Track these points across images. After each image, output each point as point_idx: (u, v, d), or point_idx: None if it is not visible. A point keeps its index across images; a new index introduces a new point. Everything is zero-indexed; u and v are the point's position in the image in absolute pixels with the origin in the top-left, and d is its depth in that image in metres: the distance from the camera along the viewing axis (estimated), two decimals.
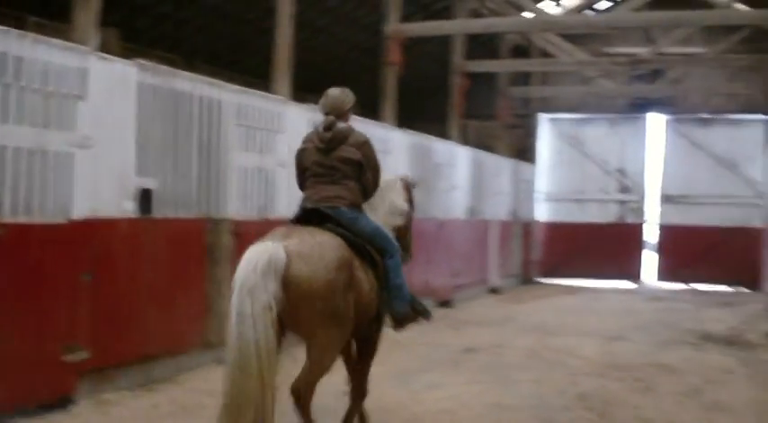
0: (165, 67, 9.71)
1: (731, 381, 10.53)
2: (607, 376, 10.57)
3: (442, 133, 19.72)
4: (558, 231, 26.28)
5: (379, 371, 10.37)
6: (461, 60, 21.24)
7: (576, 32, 24.32)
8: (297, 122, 12.08)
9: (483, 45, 25.53)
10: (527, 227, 24.88)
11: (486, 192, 20.90)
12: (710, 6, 21.40)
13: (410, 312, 7.31)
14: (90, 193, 8.40)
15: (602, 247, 25.62)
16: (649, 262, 26.50)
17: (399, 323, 7.35)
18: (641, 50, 23.87)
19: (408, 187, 8.11)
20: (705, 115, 25.89)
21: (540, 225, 26.25)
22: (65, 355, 8.01)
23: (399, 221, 7.66)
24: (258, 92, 11.46)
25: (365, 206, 7.18)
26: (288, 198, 11.82)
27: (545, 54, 24.43)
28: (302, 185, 7.23)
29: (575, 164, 26.80)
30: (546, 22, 19.33)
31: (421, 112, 24.16)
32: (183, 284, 9.80)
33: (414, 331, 13.80)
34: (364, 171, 7.12)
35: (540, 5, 23.36)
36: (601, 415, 8.57)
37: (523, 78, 26.29)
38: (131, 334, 8.96)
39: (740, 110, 25.65)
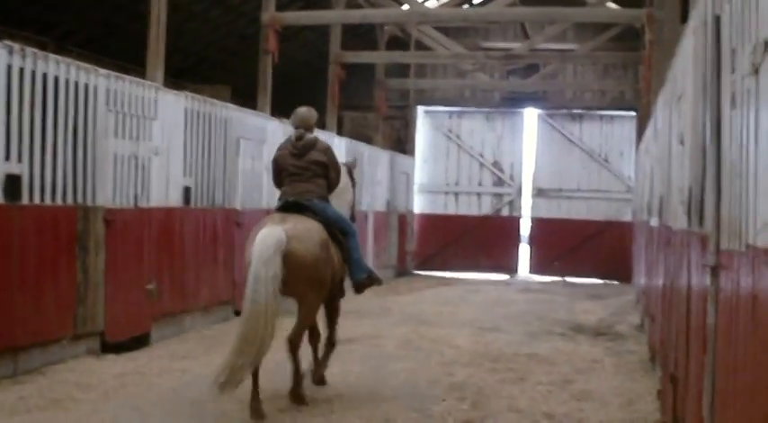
0: (34, 50, 9.38)
1: (600, 370, 10.71)
2: (481, 366, 10.63)
3: (320, 124, 19.60)
4: (435, 223, 26.48)
5: None
6: (339, 51, 21.20)
7: (453, 25, 24.54)
8: (171, 109, 11.86)
9: (361, 36, 25.50)
10: (403, 218, 24.97)
11: (363, 183, 20.88)
12: (583, 4, 21.80)
13: (367, 279, 9.30)
14: None
15: (478, 239, 25.94)
16: (524, 254, 26.84)
17: (359, 288, 9.37)
18: (516, 46, 24.17)
19: (350, 169, 10.23)
20: (578, 110, 26.41)
21: (417, 217, 26.40)
22: None
23: (349, 197, 9.98)
24: (131, 77, 11.17)
25: (330, 197, 9.12)
26: (162, 186, 11.59)
27: (423, 47, 24.53)
28: (279, 183, 9.13)
29: (451, 156, 27.04)
30: (422, 15, 19.45)
31: (298, 103, 23.85)
32: (53, 273, 9.48)
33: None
34: (329, 170, 9.04)
35: None
36: (474, 405, 8.60)
37: (401, 70, 26.35)
38: None
39: (612, 106, 26.24)
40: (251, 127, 14.46)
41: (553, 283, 24.45)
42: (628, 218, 24.96)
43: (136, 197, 11.07)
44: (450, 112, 27.31)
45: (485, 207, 26.81)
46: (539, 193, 26.50)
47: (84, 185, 10.00)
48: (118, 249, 10.53)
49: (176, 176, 12.07)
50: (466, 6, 25.54)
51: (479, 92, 27.15)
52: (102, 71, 10.45)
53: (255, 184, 14.58)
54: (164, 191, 11.68)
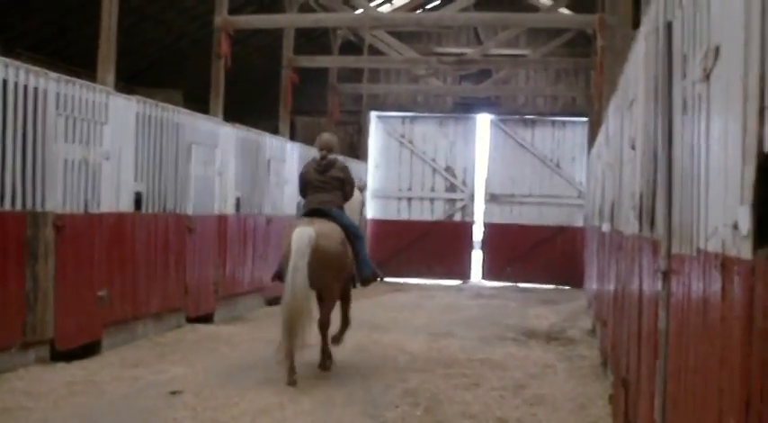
0: None
1: (552, 375, 10.76)
2: (434, 372, 10.64)
3: (273, 128, 19.57)
4: (387, 229, 26.44)
5: (205, 368, 10.29)
6: (291, 55, 21.16)
7: (407, 30, 24.55)
8: (122, 114, 11.75)
9: (314, 40, 25.48)
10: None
11: None
12: (536, 9, 21.92)
13: (371, 275, 11.23)
14: None
15: (431, 245, 25.95)
16: (477, 260, 26.89)
17: (365, 282, 11.29)
18: (469, 51, 24.25)
19: (361, 189, 12.35)
20: (530, 116, 26.53)
21: (370, 222, 26.35)
22: None
23: (359, 209, 12.14)
24: (82, 81, 11.03)
25: (345, 207, 11.09)
26: (113, 191, 11.47)
27: (376, 51, 24.54)
28: (304, 194, 11.12)
29: (404, 162, 27.04)
30: (376, 19, 19.47)
31: (251, 107, 23.93)
32: (1, 280, 9.31)
33: (242, 328, 13.84)
34: (345, 185, 11.03)
35: (372, 3, 23.46)
36: (427, 410, 8.60)
37: (354, 75, 26.33)
38: None
39: (564, 111, 26.37)
40: (203, 132, 14.37)
41: (505, 288, 24.52)
42: (579, 223, 25.09)
43: (86, 202, 10.91)
44: (403, 118, 27.31)
45: (437, 212, 26.84)
46: (491, 198, 26.57)
47: (34, 190, 9.83)
48: (68, 256, 10.39)
49: (127, 182, 11.94)
50: (419, 11, 25.58)
51: (432, 97, 27.18)
52: (53, 75, 10.30)
53: (207, 190, 14.49)
54: (114, 196, 11.55)
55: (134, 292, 12.10)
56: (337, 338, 11.12)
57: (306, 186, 11.03)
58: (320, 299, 10.62)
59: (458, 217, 26.84)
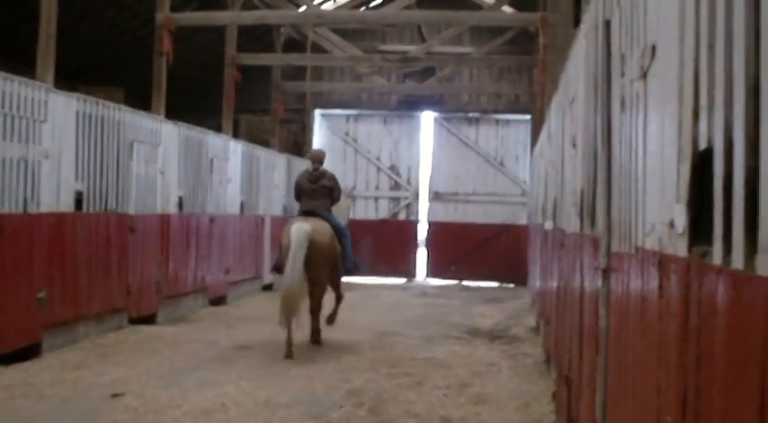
0: None
1: (496, 373, 10.79)
2: (378, 372, 10.63)
3: (216, 126, 19.46)
4: None
5: (147, 370, 10.18)
6: (234, 53, 21.07)
7: (350, 28, 24.54)
8: (62, 112, 11.57)
9: (258, 38, 25.37)
10: None
11: (260, 187, 20.77)
12: (479, 7, 22.00)
13: (353, 266, 13.33)
14: None
15: (376, 243, 25.92)
16: (421, 258, 26.94)
17: (348, 272, 13.38)
18: (413, 48, 24.28)
19: (349, 194, 14.38)
20: (474, 114, 26.61)
21: None
22: None
23: (346, 212, 14.64)
24: (21, 78, 10.83)
25: (334, 210, 13.37)
26: (53, 191, 11.30)
27: (320, 49, 24.49)
28: (299, 199, 13.31)
29: (348, 160, 27.02)
30: (319, 16, 19.48)
31: (194, 105, 23.75)
32: None
33: (185, 329, 13.74)
34: (333, 192, 13.27)
35: (315, 1, 23.40)
36: (371, 410, 8.58)
37: (298, 73, 26.23)
38: None
39: (507, 109, 26.49)
40: (145, 130, 14.22)
41: (450, 286, 24.58)
42: (523, 221, 25.22)
43: (25, 202, 10.71)
44: (348, 116, 27.29)
45: (382, 211, 26.85)
46: (435, 196, 26.63)
47: None
48: (6, 256, 10.21)
49: (68, 181, 11.77)
50: (363, 9, 25.58)
51: (376, 95, 27.16)
52: None
53: (150, 189, 14.34)
54: (54, 196, 11.38)
55: (75, 293, 11.93)
56: (331, 318, 13.29)
57: (300, 193, 13.24)
58: (312, 284, 12.28)
59: (402, 215, 26.88)
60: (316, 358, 11.52)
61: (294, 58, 24.00)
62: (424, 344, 13.07)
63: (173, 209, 15.26)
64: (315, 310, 12.62)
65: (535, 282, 16.88)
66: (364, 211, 26.75)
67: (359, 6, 25.17)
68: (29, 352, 10.66)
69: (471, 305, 19.16)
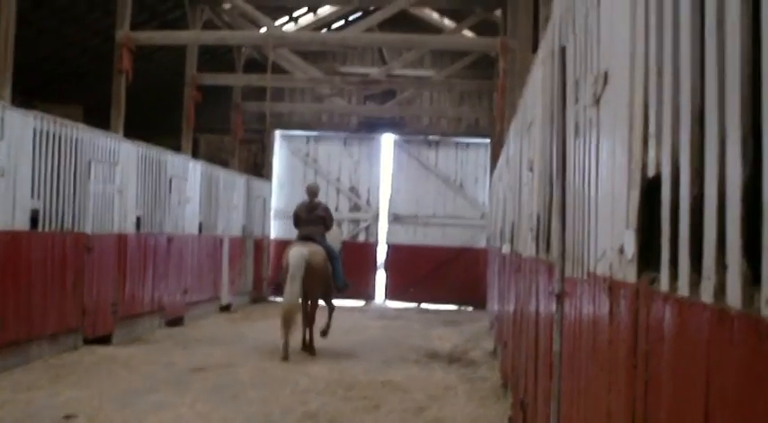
0: None
1: (453, 397, 10.78)
2: (335, 394, 10.59)
3: (175, 146, 19.37)
4: None
5: (101, 392, 10.08)
6: (195, 72, 21.04)
7: (311, 49, 24.57)
8: (19, 129, 11.46)
9: (218, 58, 25.33)
10: (260, 244, 24.77)
11: (219, 207, 20.69)
12: (440, 31, 22.11)
13: (344, 286, 14.87)
14: None
15: None
16: (380, 281, 26.89)
17: (339, 291, 14.93)
18: (374, 71, 24.35)
19: (339, 224, 16.77)
20: (434, 137, 26.68)
21: (273, 242, 26.18)
22: None
23: (339, 238, 16.31)
24: None
25: (328, 237, 14.90)
26: (8, 209, 11.18)
27: (280, 70, 24.49)
28: (297, 226, 14.93)
29: (308, 181, 26.89)
30: (280, 38, 19.49)
31: (153, 124, 23.63)
32: None
33: (141, 350, 13.63)
34: (326, 220, 14.89)
35: (276, 22, 23.42)
36: None
37: (258, 94, 26.18)
38: None
39: (467, 133, 26.59)
40: (103, 149, 14.12)
41: (409, 309, 24.58)
42: (482, 244, 25.28)
43: None
44: (308, 137, 27.24)
45: (342, 233, 26.74)
46: (395, 218, 26.64)
47: None
48: None
49: (23, 199, 11.65)
50: (324, 30, 25.62)
51: (337, 116, 27.17)
52: None
53: (107, 208, 14.24)
54: (9, 214, 11.26)
55: (29, 313, 11.80)
56: (325, 332, 14.79)
57: (298, 221, 14.94)
58: (306, 300, 14.16)
59: (362, 237, 26.84)
60: (271, 381, 11.45)
61: (255, 79, 23.97)
62: (382, 367, 13.04)
63: (130, 228, 15.16)
64: (310, 322, 14.31)
65: (494, 305, 16.92)
66: None
67: (320, 28, 25.21)
68: None
69: (430, 328, 19.15)
